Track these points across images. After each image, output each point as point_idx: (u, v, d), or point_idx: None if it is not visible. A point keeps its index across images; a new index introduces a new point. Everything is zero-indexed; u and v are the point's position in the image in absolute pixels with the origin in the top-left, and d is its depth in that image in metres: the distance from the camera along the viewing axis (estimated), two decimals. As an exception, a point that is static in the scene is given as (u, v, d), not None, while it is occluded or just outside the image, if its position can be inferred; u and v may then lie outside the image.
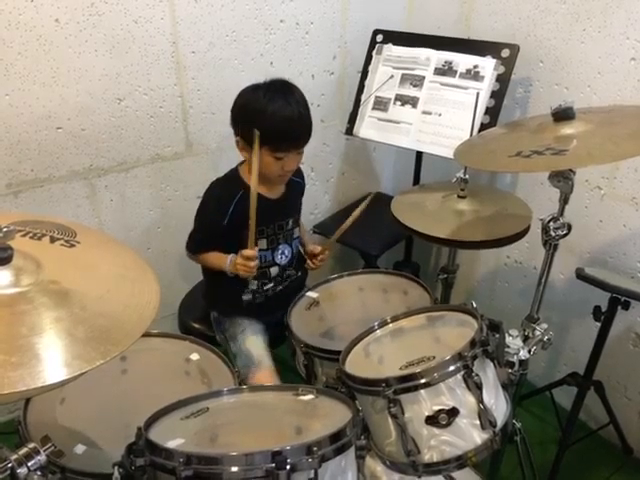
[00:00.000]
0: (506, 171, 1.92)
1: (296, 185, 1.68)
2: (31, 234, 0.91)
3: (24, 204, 1.72)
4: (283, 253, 1.64)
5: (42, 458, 0.82)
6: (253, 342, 1.61)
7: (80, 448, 1.15)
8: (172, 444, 0.95)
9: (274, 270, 1.64)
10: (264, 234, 1.58)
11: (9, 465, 0.79)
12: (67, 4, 1.57)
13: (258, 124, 1.37)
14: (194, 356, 1.43)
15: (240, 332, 1.63)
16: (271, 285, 1.65)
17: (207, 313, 1.74)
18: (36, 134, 1.66)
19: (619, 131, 1.18)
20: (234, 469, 0.87)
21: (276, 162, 1.46)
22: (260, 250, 1.56)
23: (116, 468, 0.93)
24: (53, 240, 0.92)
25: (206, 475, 0.87)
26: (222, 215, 1.52)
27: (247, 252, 1.45)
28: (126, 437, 0.97)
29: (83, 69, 1.66)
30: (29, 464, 0.80)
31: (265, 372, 1.55)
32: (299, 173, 1.69)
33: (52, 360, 0.72)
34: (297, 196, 1.71)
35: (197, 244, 1.61)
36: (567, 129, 1.19)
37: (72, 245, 0.92)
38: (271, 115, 1.41)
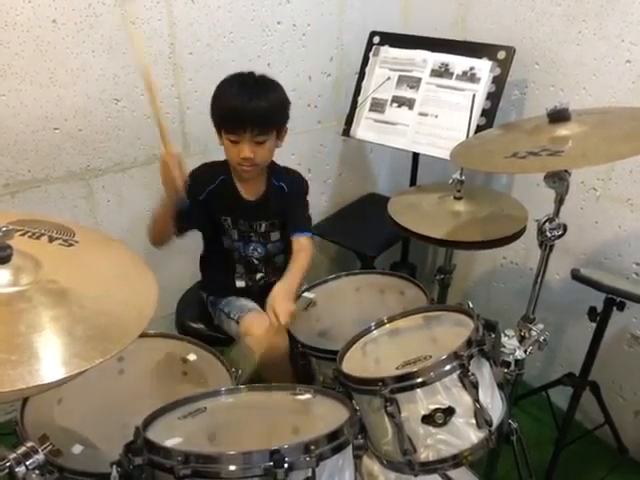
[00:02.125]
0: (502, 172, 1.93)
1: (278, 190, 1.64)
2: (30, 233, 0.91)
3: (21, 204, 1.72)
4: (255, 250, 1.68)
5: (40, 457, 0.82)
6: (245, 300, 1.69)
7: (77, 448, 1.15)
8: (170, 443, 0.95)
9: (251, 261, 1.69)
10: (236, 225, 1.63)
11: (7, 464, 0.79)
12: (64, 5, 1.57)
13: (214, 105, 1.48)
14: (191, 356, 1.43)
15: (235, 300, 1.69)
16: (260, 275, 1.70)
17: (205, 313, 1.75)
18: (33, 135, 1.66)
19: (614, 132, 1.19)
20: (232, 468, 0.87)
21: (233, 147, 1.48)
22: (234, 240, 1.65)
23: (114, 467, 0.93)
24: (52, 239, 0.92)
25: (204, 474, 0.87)
26: (201, 190, 1.56)
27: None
28: (123, 437, 0.97)
29: (80, 70, 1.67)
30: (27, 463, 0.81)
31: (255, 313, 1.61)
32: (288, 179, 1.66)
33: (51, 358, 0.72)
34: (278, 202, 1.65)
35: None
36: (562, 130, 1.20)
37: (70, 244, 0.93)
38: (225, 96, 1.47)
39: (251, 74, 1.52)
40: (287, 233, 1.65)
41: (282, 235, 1.68)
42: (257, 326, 1.52)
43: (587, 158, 1.13)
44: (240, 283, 1.69)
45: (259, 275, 1.70)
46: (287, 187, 1.66)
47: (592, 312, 1.57)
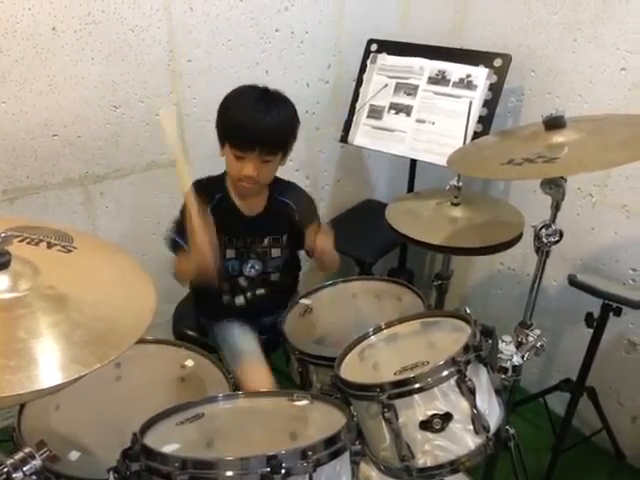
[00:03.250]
0: (498, 178, 1.94)
1: (281, 205, 1.60)
2: (28, 239, 0.91)
3: (19, 211, 1.72)
4: (253, 267, 1.61)
5: (38, 463, 0.82)
6: (241, 337, 1.63)
7: (75, 454, 1.15)
8: (167, 449, 0.95)
9: (242, 280, 1.62)
10: (233, 245, 1.56)
11: (5, 469, 0.79)
12: (64, 13, 1.58)
13: (223, 116, 1.43)
14: (189, 362, 1.44)
15: (229, 333, 1.64)
16: (243, 294, 1.64)
17: (201, 320, 1.75)
18: (32, 141, 1.67)
19: (610, 139, 1.20)
20: (229, 473, 0.87)
21: (236, 162, 1.42)
22: (227, 259, 1.56)
23: (111, 473, 0.93)
24: (50, 246, 0.92)
25: (202, 480, 0.88)
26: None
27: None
28: (121, 444, 0.97)
29: (79, 77, 1.68)
30: (24, 469, 0.80)
31: (252, 360, 1.56)
32: (292, 195, 1.62)
33: (49, 364, 0.72)
34: (281, 218, 1.60)
35: (175, 240, 1.51)
36: (558, 137, 1.21)
37: (69, 250, 0.93)
38: (236, 109, 1.41)
39: (266, 89, 1.46)
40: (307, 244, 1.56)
41: (282, 252, 1.63)
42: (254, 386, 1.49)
43: (582, 165, 1.14)
44: (226, 297, 1.63)
45: (240, 296, 1.64)
46: (293, 203, 1.60)
47: (589, 318, 1.57)
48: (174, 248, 1.53)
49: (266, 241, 1.60)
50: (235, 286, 1.63)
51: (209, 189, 1.51)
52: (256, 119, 1.37)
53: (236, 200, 1.56)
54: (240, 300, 1.65)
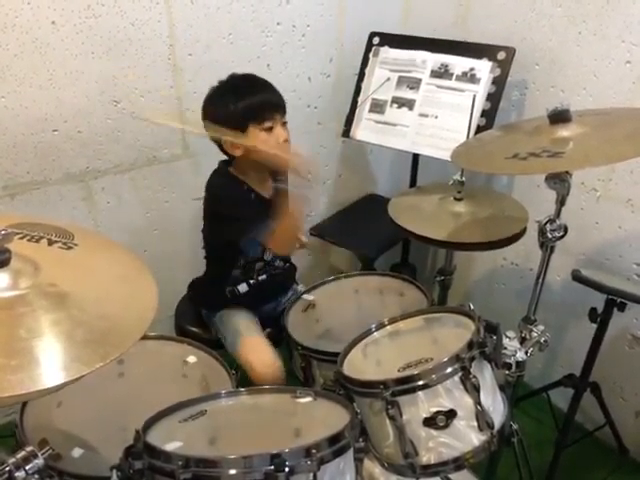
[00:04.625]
0: (503, 173, 1.92)
1: (279, 188, 1.65)
2: (29, 237, 0.91)
3: (20, 206, 1.71)
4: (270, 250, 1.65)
5: (40, 462, 0.81)
6: (240, 318, 1.65)
7: (77, 451, 1.15)
8: (170, 447, 0.94)
9: (259, 265, 1.67)
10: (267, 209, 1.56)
11: (7, 469, 0.79)
12: (64, 6, 1.57)
13: (235, 109, 1.45)
14: (191, 359, 1.43)
15: (230, 316, 1.66)
16: (246, 281, 1.68)
17: (202, 315, 1.75)
18: (32, 136, 1.66)
19: (615, 133, 1.19)
20: (232, 472, 0.87)
21: (268, 136, 1.48)
22: (251, 245, 1.60)
23: (114, 471, 0.93)
24: (51, 243, 0.92)
25: (205, 478, 0.87)
26: (247, 203, 1.54)
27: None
28: (123, 441, 0.97)
29: (80, 71, 1.66)
30: (27, 468, 0.80)
31: (253, 338, 1.59)
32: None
33: (51, 363, 0.71)
34: (282, 192, 1.64)
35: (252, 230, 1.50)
36: (563, 131, 1.20)
37: (70, 247, 0.92)
38: (243, 94, 1.47)
39: (243, 74, 1.55)
40: None
41: None
42: (254, 358, 1.53)
43: (588, 160, 1.12)
44: (229, 287, 1.67)
45: (252, 280, 1.68)
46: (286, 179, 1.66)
47: (593, 313, 1.56)
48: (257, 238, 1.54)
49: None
50: (248, 272, 1.67)
51: (237, 187, 1.55)
52: (264, 90, 1.51)
53: (254, 185, 1.58)
54: (244, 287, 1.68)
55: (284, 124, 1.52)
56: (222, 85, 1.52)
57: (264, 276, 1.69)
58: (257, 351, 1.56)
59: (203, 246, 1.72)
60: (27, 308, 0.76)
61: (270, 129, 1.48)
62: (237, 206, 1.51)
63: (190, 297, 1.84)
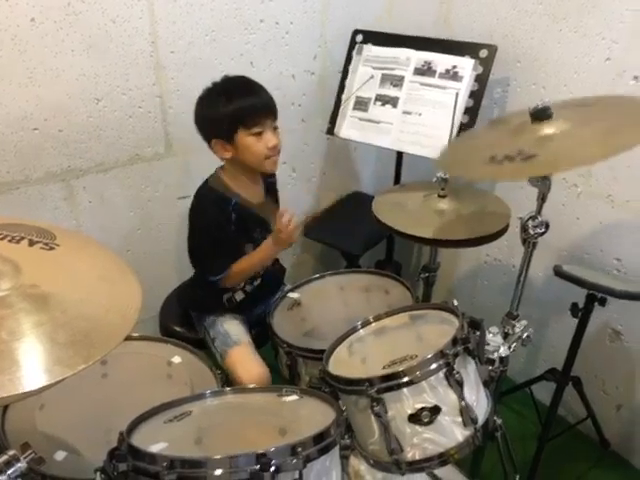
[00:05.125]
0: (478, 179, 1.91)
1: (270, 186, 1.72)
2: (9, 237, 0.89)
3: (0, 206, 1.68)
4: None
5: (22, 465, 0.80)
6: (231, 324, 1.65)
7: (60, 454, 1.14)
8: (155, 448, 0.94)
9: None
10: (252, 239, 1.60)
11: (-11, 473, 0.78)
12: (43, 3, 1.54)
13: (225, 112, 1.45)
14: (176, 359, 1.43)
15: (219, 318, 1.66)
16: (242, 289, 1.68)
17: (189, 315, 1.74)
18: (12, 135, 1.63)
19: (594, 130, 1.18)
20: (218, 472, 0.86)
21: (257, 141, 1.48)
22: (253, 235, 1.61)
23: (98, 474, 0.92)
24: (32, 243, 0.90)
25: (190, 479, 0.87)
26: (228, 224, 1.54)
27: (283, 218, 1.45)
28: (107, 442, 0.96)
29: (60, 69, 1.64)
30: (9, 472, 0.79)
31: (242, 348, 1.60)
32: (274, 176, 1.73)
33: (33, 365, 0.71)
34: (274, 195, 1.74)
35: (222, 262, 1.56)
36: (545, 129, 1.20)
37: (51, 248, 0.91)
38: (234, 96, 1.47)
39: (236, 76, 1.55)
40: None
41: None
42: (243, 371, 1.54)
43: (556, 165, 1.15)
44: (227, 295, 1.67)
45: (247, 287, 1.69)
46: (274, 178, 1.73)
47: (574, 308, 1.58)
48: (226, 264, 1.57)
49: (272, 223, 1.61)
50: (245, 281, 1.67)
51: (223, 200, 1.55)
52: (256, 94, 1.51)
53: (242, 193, 1.58)
54: (240, 295, 1.68)
55: (275, 129, 1.52)
56: (214, 87, 1.52)
57: (258, 281, 1.70)
58: (245, 363, 1.56)
59: (189, 253, 1.67)
60: (8, 310, 0.75)
61: (259, 134, 1.48)
62: (216, 232, 1.53)
63: (179, 299, 1.82)
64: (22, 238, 0.91)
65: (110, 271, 0.95)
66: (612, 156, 1.06)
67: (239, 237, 1.58)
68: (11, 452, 0.80)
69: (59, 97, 1.67)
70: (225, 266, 1.56)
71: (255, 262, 1.59)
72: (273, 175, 1.71)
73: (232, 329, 1.64)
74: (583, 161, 1.20)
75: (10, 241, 0.89)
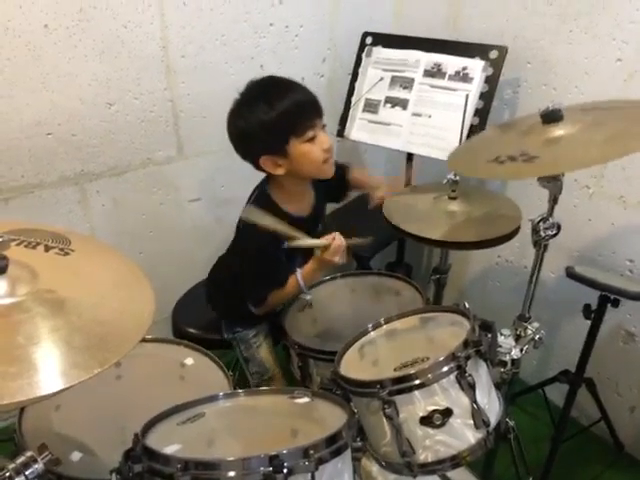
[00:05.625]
0: (481, 176, 1.89)
1: (320, 187, 1.58)
2: (26, 243, 0.91)
3: (15, 211, 1.71)
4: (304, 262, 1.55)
5: (40, 466, 0.82)
6: (265, 350, 1.65)
7: (76, 455, 1.15)
8: (169, 450, 0.95)
9: None
10: (299, 251, 1.48)
11: (7, 474, 0.79)
12: (56, 10, 1.57)
13: (270, 121, 1.30)
14: (189, 361, 1.44)
15: (252, 336, 1.65)
16: None
17: (201, 317, 1.75)
18: (26, 140, 1.66)
19: (600, 135, 1.17)
20: (231, 474, 0.87)
21: (312, 147, 1.36)
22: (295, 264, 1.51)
23: (114, 475, 0.93)
24: (48, 249, 0.92)
25: (204, 480, 0.88)
26: (280, 252, 1.43)
27: (336, 243, 1.37)
28: (122, 443, 0.97)
29: (73, 74, 1.66)
30: (27, 473, 0.80)
31: (277, 384, 1.64)
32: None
33: (50, 369, 0.72)
34: (323, 196, 1.60)
35: (263, 293, 1.49)
36: (555, 131, 1.20)
37: (67, 253, 0.92)
38: (273, 99, 1.32)
39: (264, 78, 1.42)
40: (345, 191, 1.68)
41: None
42: None
43: (556, 167, 1.14)
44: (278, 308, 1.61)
45: None
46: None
47: (587, 309, 1.58)
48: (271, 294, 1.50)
49: (320, 226, 1.57)
50: None
51: (267, 233, 1.37)
52: (301, 94, 1.36)
53: (294, 210, 1.48)
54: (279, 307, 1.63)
55: (324, 127, 1.40)
56: (245, 96, 1.38)
57: None
58: None
59: (227, 271, 1.64)
60: (25, 315, 0.76)
61: (313, 139, 1.35)
62: (264, 261, 1.42)
63: (210, 298, 1.74)
64: (38, 243, 0.93)
65: (124, 276, 0.96)
66: (611, 160, 1.07)
67: (288, 266, 1.49)
68: (28, 453, 0.82)
69: (72, 102, 1.69)
70: (265, 297, 1.49)
71: (294, 291, 1.51)
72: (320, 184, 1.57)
73: (266, 357, 1.65)
74: (581, 164, 1.20)
75: (27, 247, 0.91)
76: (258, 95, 1.35)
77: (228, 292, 1.63)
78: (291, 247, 1.38)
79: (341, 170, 1.63)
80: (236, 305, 1.60)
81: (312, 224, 1.54)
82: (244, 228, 1.43)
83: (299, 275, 1.45)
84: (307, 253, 1.49)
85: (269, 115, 1.30)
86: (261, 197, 1.47)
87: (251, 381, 1.66)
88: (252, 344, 1.64)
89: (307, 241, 1.38)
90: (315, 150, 1.36)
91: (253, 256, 1.44)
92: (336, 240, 1.38)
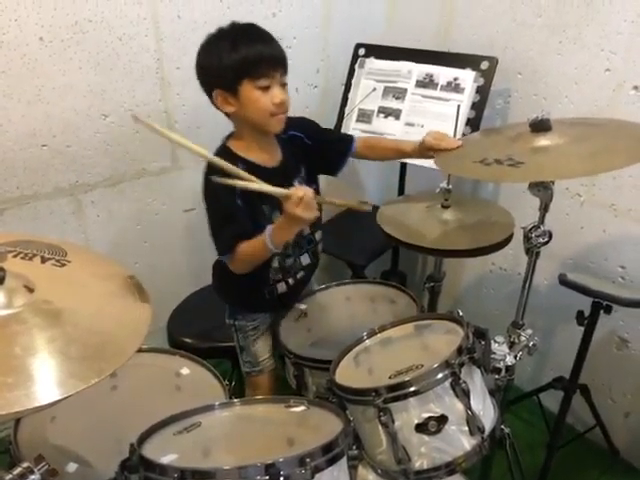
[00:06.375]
0: (465, 175, 1.88)
1: (294, 140, 1.51)
2: (22, 254, 0.91)
3: (10, 222, 1.71)
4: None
5: (36, 477, 0.82)
6: (260, 344, 1.64)
7: (72, 466, 1.15)
8: (166, 460, 0.95)
9: (289, 262, 1.54)
10: (274, 206, 1.39)
11: (4, 485, 0.79)
12: (51, 22, 1.58)
13: (230, 60, 1.31)
14: (184, 370, 1.43)
15: (251, 328, 1.62)
16: (285, 280, 1.56)
17: (197, 327, 1.76)
18: (21, 152, 1.67)
19: (585, 149, 1.19)
20: (228, 483, 0.88)
21: (263, 95, 1.33)
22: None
23: (110, 485, 0.93)
24: (44, 260, 0.93)
25: (200, 490, 0.88)
26: (233, 195, 1.35)
27: (297, 193, 1.24)
28: (118, 453, 0.97)
29: (68, 86, 1.67)
30: (23, 484, 0.81)
31: (264, 378, 1.64)
32: (298, 125, 1.53)
33: (47, 380, 0.72)
34: (299, 153, 1.52)
35: (227, 238, 1.38)
36: (541, 140, 1.22)
37: (63, 264, 0.93)
38: (240, 43, 1.32)
39: (245, 23, 1.39)
40: (340, 161, 1.62)
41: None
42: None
43: (537, 175, 1.17)
44: (267, 289, 1.54)
45: (290, 279, 1.56)
46: (303, 133, 1.53)
47: (580, 316, 1.59)
48: (238, 242, 1.38)
49: (296, 182, 1.47)
50: (284, 271, 1.54)
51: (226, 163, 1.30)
52: (266, 43, 1.35)
53: (255, 159, 1.42)
54: (282, 288, 1.56)
55: (283, 85, 1.38)
56: (218, 33, 1.37)
57: (302, 273, 1.59)
58: (262, 392, 1.63)
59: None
60: (22, 326, 0.77)
61: (266, 88, 1.33)
62: (219, 205, 1.37)
63: (216, 288, 1.67)
64: (34, 255, 0.93)
65: (119, 286, 0.97)
66: (592, 175, 1.09)
67: (249, 206, 1.39)
68: (25, 464, 0.82)
69: (67, 114, 1.70)
70: (230, 244, 1.37)
71: (255, 254, 1.38)
72: (299, 127, 1.53)
73: (260, 351, 1.64)
74: (565, 175, 1.24)
75: (23, 258, 0.91)
76: (229, 36, 1.36)
77: (227, 272, 1.51)
78: (245, 190, 1.29)
79: (343, 142, 1.61)
80: (235, 286, 1.56)
81: (283, 178, 1.42)
82: (203, 180, 1.41)
83: (268, 230, 1.34)
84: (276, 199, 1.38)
85: (231, 56, 1.32)
86: (220, 148, 1.45)
87: (242, 369, 1.65)
88: (249, 335, 1.63)
89: (263, 187, 1.27)
90: (264, 100, 1.34)
91: (210, 200, 1.40)
92: (298, 190, 1.25)
